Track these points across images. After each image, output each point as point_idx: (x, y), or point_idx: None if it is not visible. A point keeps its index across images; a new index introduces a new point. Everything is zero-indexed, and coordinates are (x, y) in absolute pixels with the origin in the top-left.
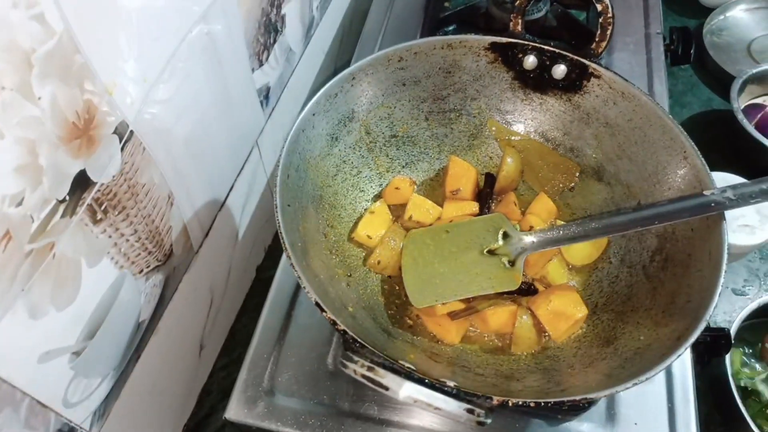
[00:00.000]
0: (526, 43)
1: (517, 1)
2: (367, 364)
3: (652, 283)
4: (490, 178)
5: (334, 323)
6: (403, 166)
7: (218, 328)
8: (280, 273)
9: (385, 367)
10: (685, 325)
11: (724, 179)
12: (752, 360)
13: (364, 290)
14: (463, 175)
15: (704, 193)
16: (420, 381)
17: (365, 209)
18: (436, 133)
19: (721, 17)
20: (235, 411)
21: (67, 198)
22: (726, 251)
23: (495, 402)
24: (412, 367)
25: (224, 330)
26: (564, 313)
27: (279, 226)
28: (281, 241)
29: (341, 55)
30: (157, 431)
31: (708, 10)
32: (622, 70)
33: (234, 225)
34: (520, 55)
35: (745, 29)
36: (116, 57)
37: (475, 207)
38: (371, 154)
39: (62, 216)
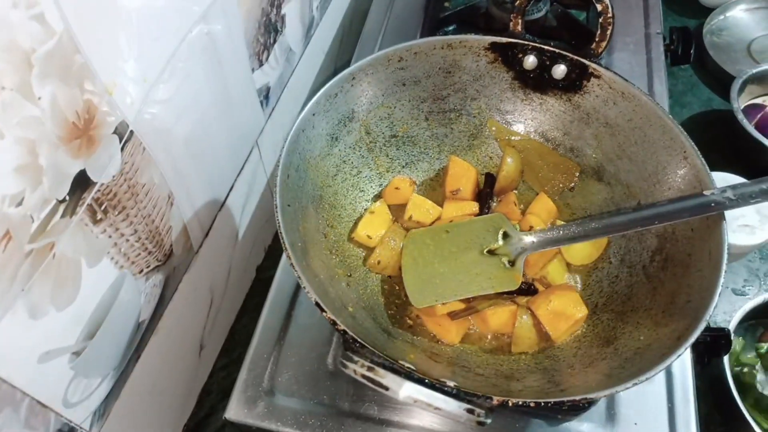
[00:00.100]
0: (526, 43)
1: (517, 1)
2: (367, 364)
3: (652, 283)
4: (490, 178)
5: (334, 323)
6: (403, 166)
7: (218, 328)
8: (280, 273)
9: (385, 367)
10: (685, 325)
11: (724, 179)
12: (750, 354)
13: (364, 290)
14: (463, 175)
15: (704, 193)
16: (420, 381)
17: (365, 209)
18: (436, 133)
19: (721, 17)
20: (235, 411)
21: (67, 198)
22: (726, 251)
23: (495, 402)
24: (412, 367)
25: (224, 330)
26: (564, 313)
27: (279, 226)
28: (281, 241)
29: (341, 55)
30: (157, 431)
31: (708, 10)
32: (622, 70)
33: (234, 225)
34: (520, 55)
35: (745, 29)
36: (116, 57)
37: (475, 207)
38: (371, 154)
39: (62, 216)
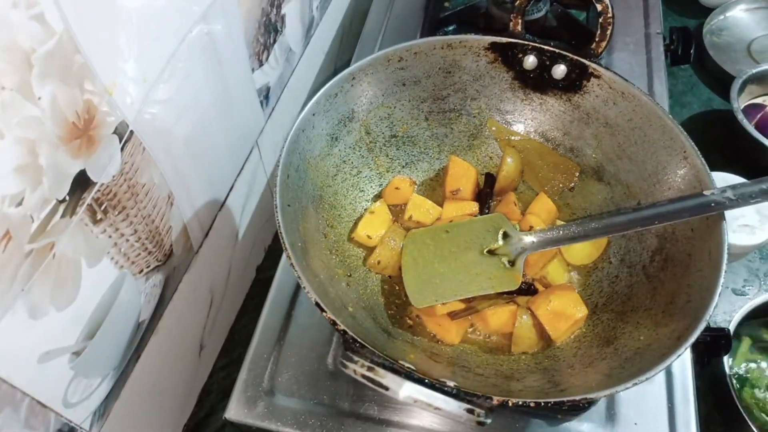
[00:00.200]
0: (526, 43)
1: (517, 1)
2: (367, 364)
3: (652, 283)
4: (490, 178)
5: (334, 323)
6: (403, 166)
7: (218, 328)
8: (280, 273)
9: (385, 367)
10: (685, 325)
11: (724, 179)
12: (752, 353)
13: (364, 290)
14: (463, 175)
15: (704, 193)
16: (420, 381)
17: (365, 209)
18: (436, 133)
19: (721, 17)
20: (235, 411)
21: (67, 198)
22: (726, 251)
23: (495, 402)
24: (412, 367)
25: (224, 330)
26: (564, 313)
27: (279, 226)
28: (281, 241)
29: (341, 55)
30: (157, 431)
31: (708, 10)
32: (622, 70)
33: (234, 225)
34: (520, 55)
35: (745, 29)
36: (116, 57)
37: (475, 207)
38: (371, 154)
39: (62, 216)
